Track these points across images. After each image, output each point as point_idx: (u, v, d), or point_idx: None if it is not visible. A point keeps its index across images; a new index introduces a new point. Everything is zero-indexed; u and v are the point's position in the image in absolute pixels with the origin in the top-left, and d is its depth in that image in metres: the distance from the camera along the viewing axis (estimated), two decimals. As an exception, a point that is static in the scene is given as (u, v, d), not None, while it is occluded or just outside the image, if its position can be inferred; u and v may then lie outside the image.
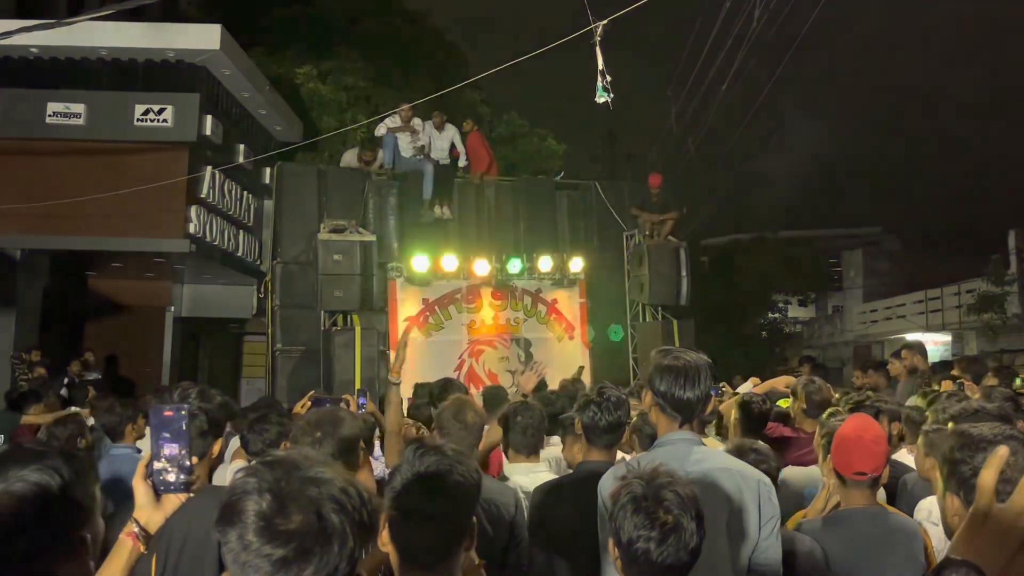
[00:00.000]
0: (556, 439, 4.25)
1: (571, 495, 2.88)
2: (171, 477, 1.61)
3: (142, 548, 1.60)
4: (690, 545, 1.83)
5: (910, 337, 25.85)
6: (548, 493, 3.01)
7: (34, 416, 6.99)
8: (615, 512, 1.88)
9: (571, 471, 3.36)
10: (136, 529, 1.60)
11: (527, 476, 3.36)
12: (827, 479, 2.93)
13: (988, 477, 1.10)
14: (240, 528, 1.13)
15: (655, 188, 12.05)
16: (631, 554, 1.85)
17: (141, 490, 1.63)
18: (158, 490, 1.63)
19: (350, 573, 1.15)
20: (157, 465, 1.62)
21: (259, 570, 1.11)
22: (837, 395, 5.16)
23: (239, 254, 12.61)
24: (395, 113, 11.72)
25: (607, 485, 2.38)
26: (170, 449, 1.61)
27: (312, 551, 1.11)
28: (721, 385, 6.27)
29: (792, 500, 3.45)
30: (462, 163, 12.28)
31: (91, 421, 5.51)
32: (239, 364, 17.11)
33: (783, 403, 5.16)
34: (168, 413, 1.63)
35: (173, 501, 1.64)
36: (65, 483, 1.49)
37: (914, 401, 5.25)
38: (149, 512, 1.62)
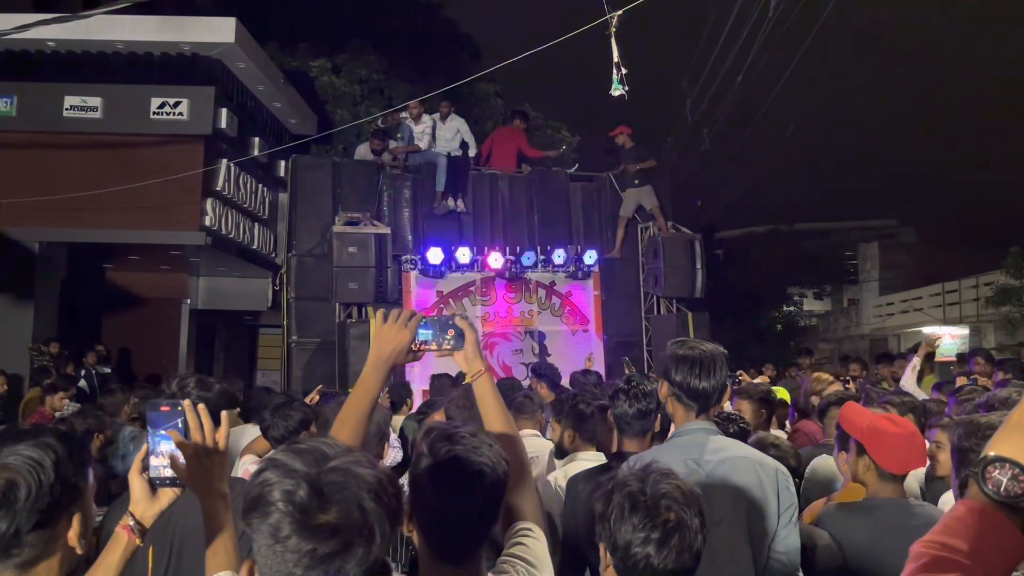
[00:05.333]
0: None
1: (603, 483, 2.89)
2: (167, 472, 1.63)
3: (138, 541, 1.61)
4: (694, 547, 1.67)
5: (927, 330, 25.67)
6: (582, 481, 3.01)
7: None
8: (608, 513, 1.71)
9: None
10: (131, 523, 1.61)
11: (584, 464, 3.36)
12: (847, 474, 2.90)
13: None
14: (274, 521, 1.10)
15: (623, 137, 11.94)
16: (629, 560, 1.67)
17: (137, 484, 1.64)
18: (154, 484, 1.64)
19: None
20: (154, 460, 1.63)
21: (298, 564, 1.08)
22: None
23: (254, 247, 12.67)
24: (405, 108, 11.71)
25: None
26: (166, 444, 1.63)
27: (355, 545, 1.08)
28: (738, 373, 6.29)
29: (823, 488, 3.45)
30: (471, 152, 12.23)
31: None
32: (254, 356, 17.22)
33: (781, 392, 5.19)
34: (165, 408, 1.66)
35: (169, 495, 1.65)
36: (59, 459, 1.50)
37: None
38: (144, 506, 1.63)
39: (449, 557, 1.61)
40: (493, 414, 1.99)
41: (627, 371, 7.97)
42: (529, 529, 1.82)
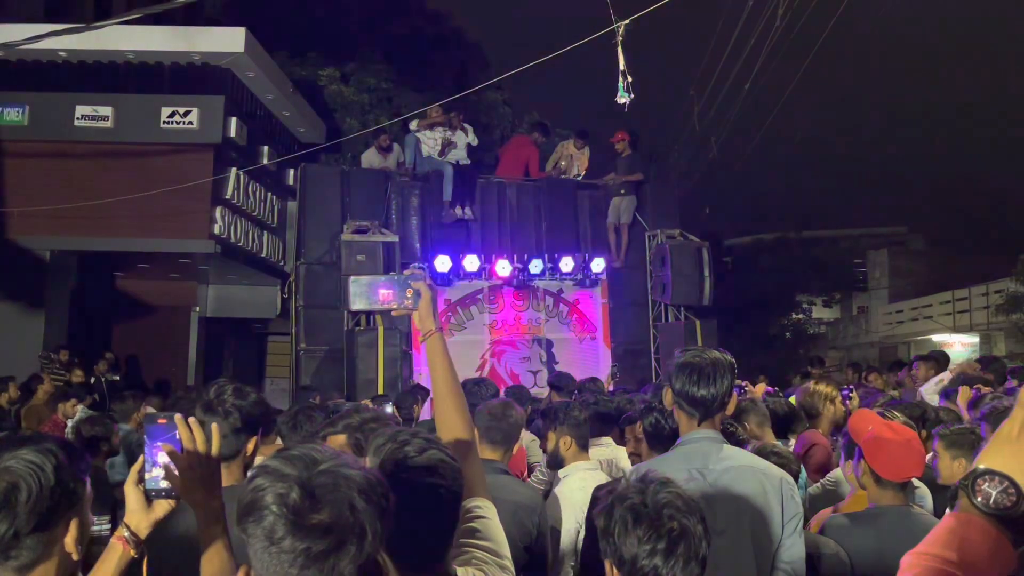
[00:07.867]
0: (607, 439, 4.20)
1: None
2: (163, 483, 1.66)
3: (132, 552, 1.64)
4: (700, 553, 1.66)
5: (937, 338, 25.53)
6: None
7: None
8: (611, 528, 1.69)
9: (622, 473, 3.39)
10: (126, 534, 1.64)
11: (591, 474, 3.34)
12: (853, 482, 2.89)
13: None
14: (268, 523, 1.13)
15: (622, 144, 12.01)
16: (637, 573, 1.65)
17: (132, 495, 1.66)
18: (150, 496, 1.67)
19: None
20: (150, 472, 1.66)
21: (293, 564, 1.12)
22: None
23: (263, 255, 12.71)
24: (425, 113, 11.74)
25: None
26: (163, 456, 1.66)
27: (347, 543, 1.12)
28: (744, 384, 6.25)
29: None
30: (473, 139, 12.21)
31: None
32: (263, 364, 17.26)
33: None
34: (162, 421, 1.70)
35: (164, 506, 1.68)
36: (59, 464, 1.52)
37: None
38: (140, 517, 1.66)
39: (416, 569, 1.59)
40: (440, 376, 2.04)
41: (612, 380, 8.05)
42: (478, 507, 1.83)
